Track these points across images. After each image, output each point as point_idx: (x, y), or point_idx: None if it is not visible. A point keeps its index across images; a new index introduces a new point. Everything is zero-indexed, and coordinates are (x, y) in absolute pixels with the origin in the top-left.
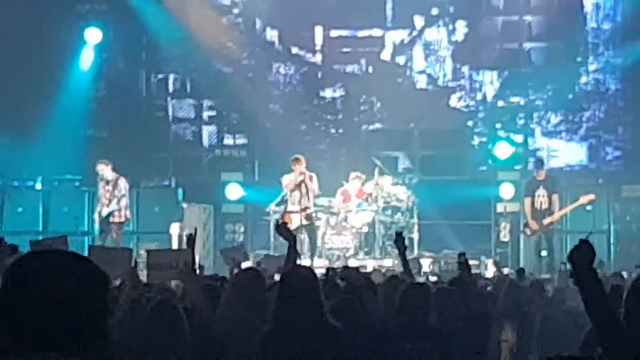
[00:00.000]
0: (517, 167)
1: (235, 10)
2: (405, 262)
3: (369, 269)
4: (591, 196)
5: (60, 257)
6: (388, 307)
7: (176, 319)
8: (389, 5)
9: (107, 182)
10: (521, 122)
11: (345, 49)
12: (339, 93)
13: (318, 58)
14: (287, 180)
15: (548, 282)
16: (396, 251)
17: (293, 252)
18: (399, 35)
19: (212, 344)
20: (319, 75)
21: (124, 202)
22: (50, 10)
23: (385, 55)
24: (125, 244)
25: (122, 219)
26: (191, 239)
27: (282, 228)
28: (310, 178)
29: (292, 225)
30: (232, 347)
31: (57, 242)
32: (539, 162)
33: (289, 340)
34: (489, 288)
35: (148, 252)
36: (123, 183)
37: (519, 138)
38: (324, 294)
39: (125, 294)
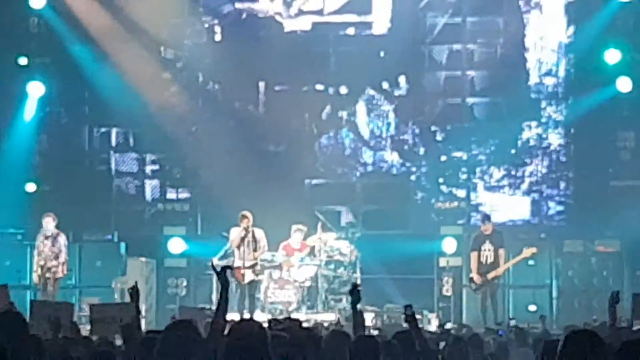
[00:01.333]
0: (459, 222)
1: (179, 65)
2: (355, 314)
3: (312, 324)
4: (533, 249)
5: None
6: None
7: None
8: (332, 60)
9: (46, 237)
10: (464, 176)
11: (288, 104)
12: (281, 147)
13: (261, 112)
14: (235, 234)
15: (488, 335)
16: (338, 305)
17: (224, 302)
18: (342, 89)
19: None
20: (262, 129)
21: (63, 258)
22: (4, 66)
23: (328, 109)
24: (68, 298)
25: (60, 275)
26: (134, 292)
27: (223, 274)
28: (254, 234)
29: (242, 281)
30: None
31: None
32: (486, 217)
33: None
34: (441, 345)
35: (91, 306)
36: (63, 240)
37: (461, 193)
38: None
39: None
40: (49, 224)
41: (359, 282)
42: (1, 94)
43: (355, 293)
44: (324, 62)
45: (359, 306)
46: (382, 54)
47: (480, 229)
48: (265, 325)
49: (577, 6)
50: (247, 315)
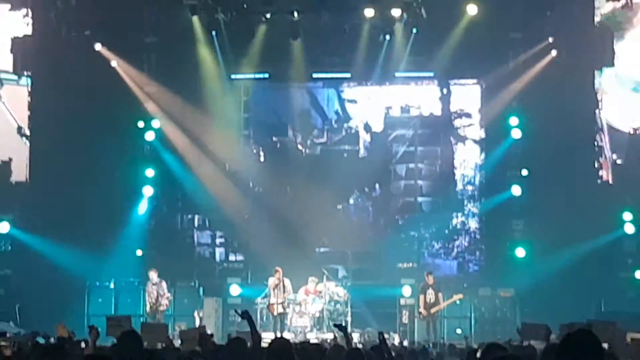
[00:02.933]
0: (413, 276)
1: (237, 175)
2: (347, 337)
3: (320, 341)
4: (460, 295)
5: None
6: None
7: None
8: (333, 173)
9: (154, 284)
10: (415, 247)
11: (306, 200)
12: (302, 227)
13: (289, 206)
14: (271, 282)
15: (431, 348)
16: (337, 329)
17: (254, 329)
18: (339, 191)
19: None
20: (289, 216)
21: (165, 296)
22: (122, 176)
23: (331, 204)
24: (166, 322)
25: (164, 308)
26: (247, 315)
27: (245, 315)
28: (284, 282)
29: (274, 312)
30: None
31: (125, 320)
32: (429, 273)
33: None
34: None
35: (180, 331)
36: (165, 285)
37: (414, 258)
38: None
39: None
40: (153, 275)
41: (349, 316)
42: (127, 195)
43: (341, 328)
44: (328, 174)
45: (349, 329)
46: (364, 169)
47: (425, 280)
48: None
49: (486, 142)
50: (279, 335)
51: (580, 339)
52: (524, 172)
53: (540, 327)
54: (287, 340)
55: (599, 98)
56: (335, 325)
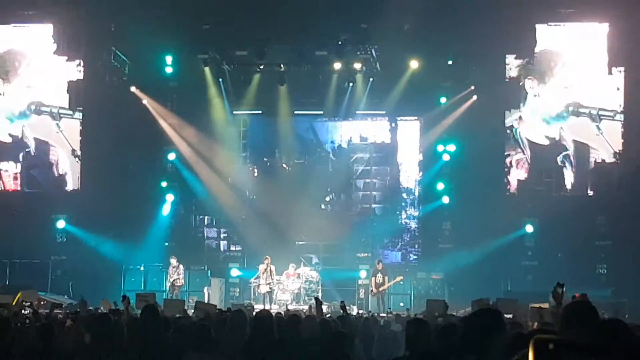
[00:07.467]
0: (368, 263)
1: (236, 186)
2: (320, 309)
3: (296, 311)
4: (400, 277)
5: None
6: (306, 331)
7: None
8: (308, 188)
9: (173, 267)
10: (370, 241)
11: (288, 207)
12: (285, 226)
13: (275, 213)
14: (261, 267)
15: (381, 318)
16: (311, 302)
17: (320, 308)
18: (312, 201)
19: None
20: (278, 218)
21: (182, 276)
22: (151, 186)
23: (305, 210)
24: (182, 296)
25: (180, 284)
26: (318, 302)
27: (316, 300)
28: (271, 267)
29: (262, 291)
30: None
31: (150, 296)
32: (379, 260)
33: (257, 345)
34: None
35: (196, 302)
36: (182, 268)
37: (369, 249)
38: (275, 322)
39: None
40: (173, 261)
41: (320, 292)
42: (152, 202)
43: (317, 301)
44: (305, 186)
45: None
46: (332, 183)
47: (376, 266)
48: (274, 312)
49: (423, 163)
50: (267, 307)
51: (481, 317)
52: (440, 186)
53: (439, 302)
54: (269, 311)
55: (507, 132)
56: (315, 298)
